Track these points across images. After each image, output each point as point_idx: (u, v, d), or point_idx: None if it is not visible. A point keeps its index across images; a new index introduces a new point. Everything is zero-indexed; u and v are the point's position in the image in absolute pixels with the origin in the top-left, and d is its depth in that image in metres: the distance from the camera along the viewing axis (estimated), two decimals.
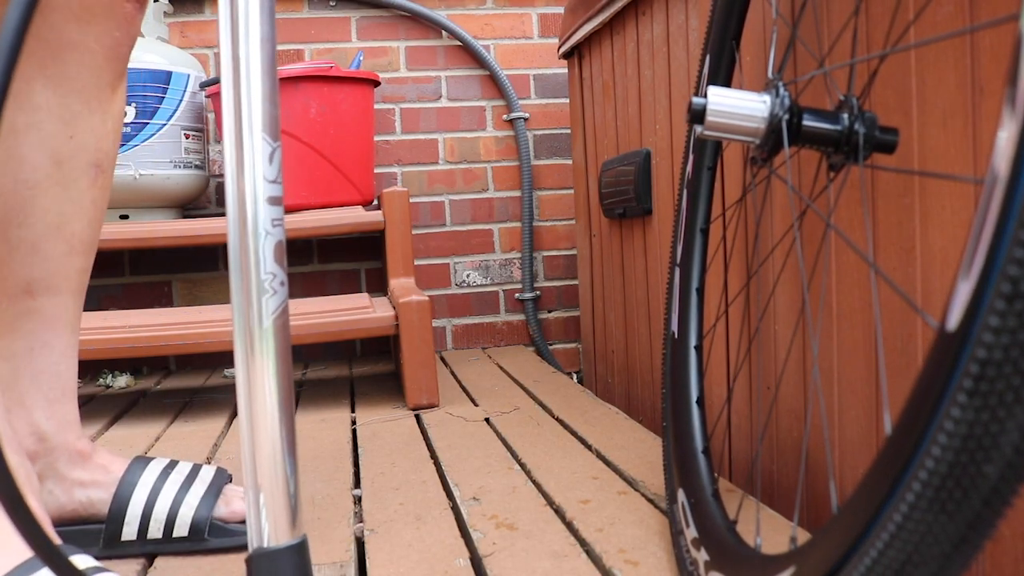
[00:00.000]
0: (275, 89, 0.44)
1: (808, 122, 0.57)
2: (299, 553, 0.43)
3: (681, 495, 0.71)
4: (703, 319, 0.80)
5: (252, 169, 0.43)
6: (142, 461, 0.82)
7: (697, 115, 0.59)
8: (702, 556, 0.61)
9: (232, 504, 0.82)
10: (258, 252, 0.43)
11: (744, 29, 0.90)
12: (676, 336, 0.81)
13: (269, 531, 0.43)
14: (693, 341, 0.79)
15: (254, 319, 0.43)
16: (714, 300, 1.00)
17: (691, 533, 0.66)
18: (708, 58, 0.82)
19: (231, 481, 0.87)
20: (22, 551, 0.57)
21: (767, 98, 0.59)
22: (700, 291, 0.81)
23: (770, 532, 0.76)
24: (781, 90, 0.58)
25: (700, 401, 0.76)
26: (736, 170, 0.94)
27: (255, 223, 0.43)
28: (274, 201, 0.44)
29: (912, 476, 0.33)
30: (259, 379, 0.43)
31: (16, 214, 0.73)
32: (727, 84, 0.81)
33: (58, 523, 0.77)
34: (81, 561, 0.60)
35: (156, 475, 0.80)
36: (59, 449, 0.77)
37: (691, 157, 0.84)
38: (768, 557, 0.50)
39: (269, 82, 0.43)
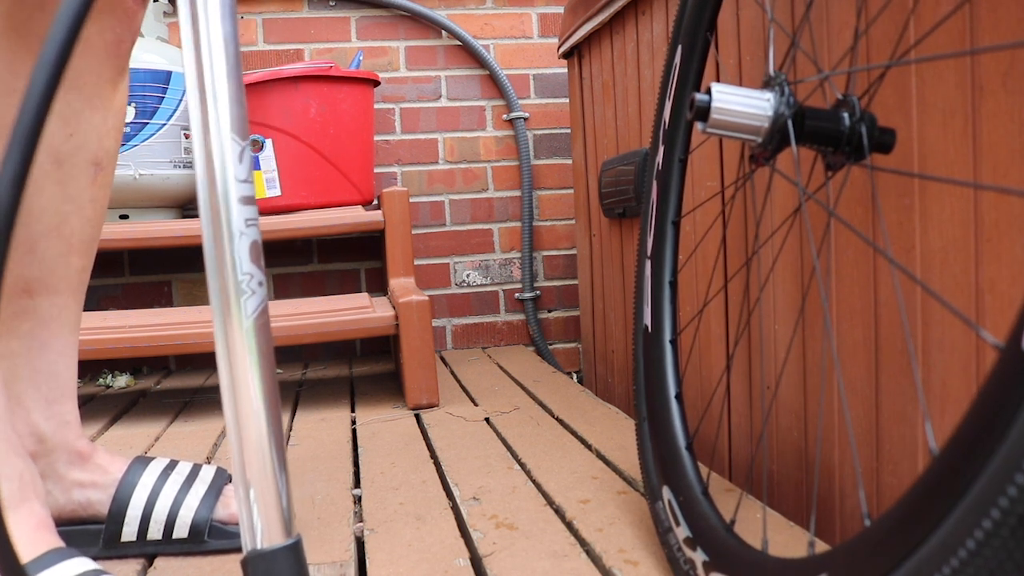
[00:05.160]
0: (240, 88, 0.44)
1: (810, 121, 0.56)
2: (294, 554, 0.43)
3: (666, 492, 0.70)
4: (677, 313, 0.80)
5: (222, 170, 0.43)
6: (142, 461, 0.81)
7: (701, 113, 0.58)
8: (699, 556, 0.61)
9: (232, 506, 0.82)
10: (233, 253, 0.43)
11: (741, 26, 0.90)
12: (650, 330, 0.80)
13: (263, 533, 0.43)
14: (668, 335, 0.78)
15: (233, 321, 0.43)
16: (716, 297, 1.00)
17: (682, 532, 0.65)
18: (680, 49, 0.81)
19: (231, 481, 0.86)
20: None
21: (770, 96, 0.58)
22: (673, 284, 0.80)
23: (769, 533, 0.76)
24: (786, 89, 0.58)
25: (679, 397, 0.75)
26: (717, 160, 0.93)
27: (228, 224, 0.43)
28: (246, 201, 0.44)
29: (988, 498, 0.33)
30: (243, 381, 0.43)
31: None
32: (699, 76, 0.80)
33: (57, 523, 0.76)
34: (80, 564, 0.60)
35: (156, 476, 0.80)
36: (58, 450, 0.76)
37: (661, 148, 0.83)
38: (786, 561, 0.50)
39: (234, 82, 0.43)
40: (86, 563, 0.60)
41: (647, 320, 0.81)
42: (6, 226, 0.32)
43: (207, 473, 0.84)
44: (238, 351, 0.43)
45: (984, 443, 0.33)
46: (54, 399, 0.76)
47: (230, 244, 0.43)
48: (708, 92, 0.58)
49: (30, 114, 0.33)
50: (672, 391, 0.76)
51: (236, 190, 0.43)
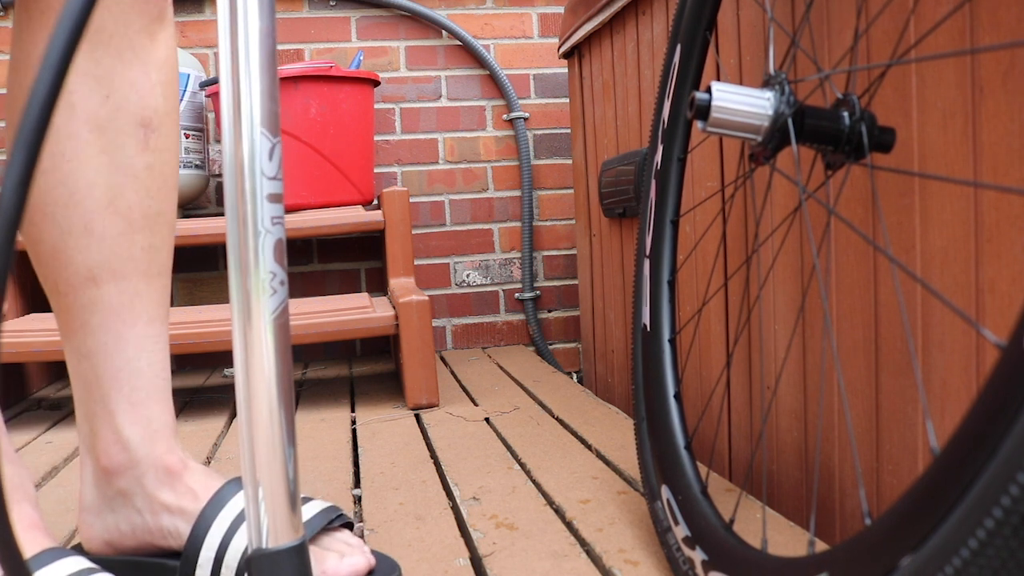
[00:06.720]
0: (275, 84, 0.43)
1: (810, 120, 0.56)
2: (299, 554, 0.43)
3: (665, 491, 0.70)
4: (676, 312, 0.80)
5: (252, 165, 0.42)
6: (232, 487, 0.68)
7: (701, 111, 0.58)
8: (698, 555, 0.61)
9: (328, 560, 0.65)
10: (258, 251, 0.43)
11: (741, 26, 0.90)
12: (648, 329, 0.80)
13: (269, 532, 0.43)
14: (667, 334, 0.78)
15: (254, 319, 0.42)
16: (716, 298, 1.00)
17: (681, 531, 0.65)
18: (679, 48, 0.81)
19: (346, 526, 0.71)
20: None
21: (771, 95, 0.58)
22: (672, 284, 0.80)
23: (769, 533, 0.76)
24: (786, 88, 0.58)
25: (678, 396, 0.75)
26: (716, 160, 0.93)
27: (255, 221, 0.42)
28: (274, 198, 0.43)
29: (990, 497, 0.33)
30: (259, 380, 0.43)
31: (59, 192, 0.64)
32: (698, 75, 0.80)
33: (144, 550, 0.69)
34: (74, 563, 0.60)
35: (237, 511, 0.67)
36: (144, 463, 0.67)
37: (660, 147, 0.83)
38: (786, 560, 0.50)
39: (269, 77, 0.43)
40: (81, 562, 0.60)
41: (645, 319, 0.81)
42: (17, 207, 0.31)
43: (307, 511, 0.69)
44: (257, 349, 0.42)
45: (986, 442, 0.33)
46: (138, 400, 0.67)
47: (255, 241, 0.42)
48: (708, 91, 0.58)
49: (44, 87, 0.32)
50: (671, 391, 0.76)
51: (264, 187, 0.43)
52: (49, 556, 0.59)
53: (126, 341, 0.67)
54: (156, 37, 0.68)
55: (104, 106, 0.65)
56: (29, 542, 0.61)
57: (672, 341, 0.78)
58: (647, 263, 0.82)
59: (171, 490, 0.68)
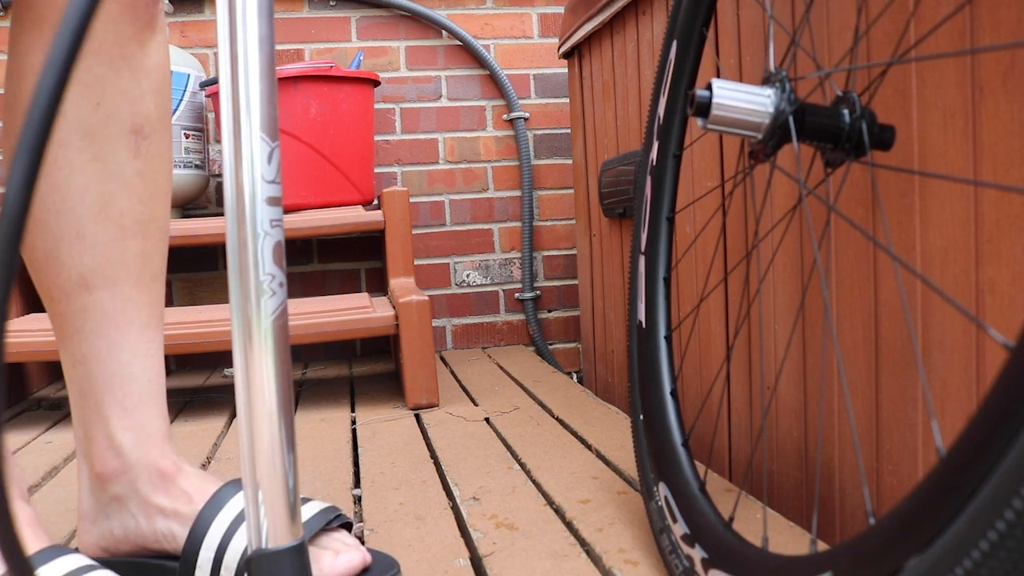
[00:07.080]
0: (274, 89, 0.44)
1: (811, 117, 0.56)
2: (299, 555, 0.43)
3: (663, 489, 0.70)
4: (671, 309, 0.79)
5: (250, 169, 0.43)
6: (230, 489, 0.69)
7: (701, 109, 0.58)
8: (698, 553, 0.61)
9: (323, 559, 0.65)
10: (257, 253, 0.43)
11: (741, 25, 0.90)
12: (644, 326, 0.80)
13: (269, 533, 0.43)
14: (663, 331, 0.78)
15: (253, 321, 0.42)
16: (715, 296, 1.00)
17: (680, 529, 0.65)
18: (675, 45, 0.81)
19: (344, 526, 0.71)
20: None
21: (771, 92, 0.58)
22: (667, 281, 0.80)
23: (769, 533, 0.76)
24: (787, 85, 0.58)
25: (674, 393, 0.75)
26: (715, 159, 0.93)
27: (253, 223, 0.43)
28: (273, 201, 0.43)
29: (1001, 498, 0.32)
30: (258, 381, 0.43)
31: (52, 199, 0.65)
32: (695, 72, 0.80)
33: (139, 553, 0.69)
34: (73, 560, 0.59)
35: (236, 512, 0.67)
36: (138, 467, 0.68)
37: (656, 144, 0.83)
38: (789, 558, 0.50)
39: (267, 81, 0.43)
40: (80, 559, 0.60)
41: (641, 316, 0.81)
42: (21, 209, 0.31)
43: (306, 512, 0.69)
44: (256, 351, 0.43)
45: (996, 441, 0.33)
46: (131, 405, 0.68)
47: (254, 244, 0.43)
48: (708, 88, 0.58)
49: (45, 97, 0.32)
50: (667, 388, 0.75)
51: (263, 190, 0.43)
52: (49, 553, 0.59)
53: (119, 347, 0.68)
54: (147, 44, 0.68)
55: (95, 113, 0.65)
56: (28, 539, 0.60)
57: (668, 338, 0.78)
58: (642, 260, 0.82)
59: (165, 494, 0.68)
